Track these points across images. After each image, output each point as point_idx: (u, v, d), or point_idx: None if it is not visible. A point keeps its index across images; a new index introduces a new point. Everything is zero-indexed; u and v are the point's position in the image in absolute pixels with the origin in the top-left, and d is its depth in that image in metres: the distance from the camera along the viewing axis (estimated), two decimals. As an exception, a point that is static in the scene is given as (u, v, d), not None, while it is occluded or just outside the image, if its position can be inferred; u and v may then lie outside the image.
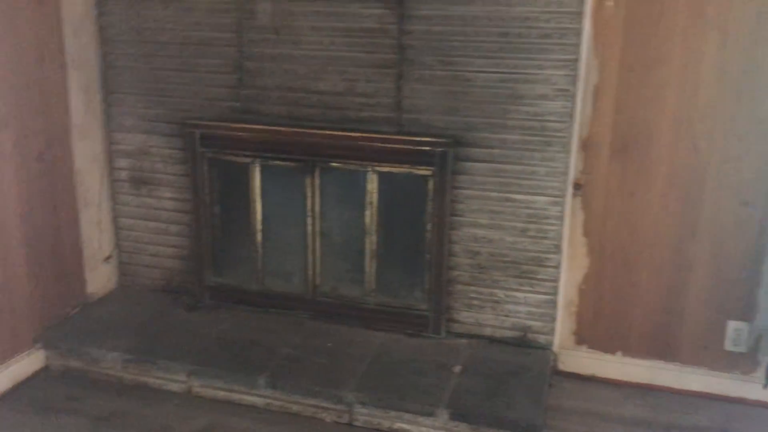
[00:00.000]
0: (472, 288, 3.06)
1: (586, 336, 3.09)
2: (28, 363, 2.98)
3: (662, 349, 3.01)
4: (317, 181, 3.10)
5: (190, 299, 3.38)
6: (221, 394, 2.86)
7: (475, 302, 3.07)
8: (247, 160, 3.16)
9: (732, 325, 2.89)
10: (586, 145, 2.87)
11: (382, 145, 2.97)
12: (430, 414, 2.60)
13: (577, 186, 2.91)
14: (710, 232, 2.83)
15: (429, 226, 3.00)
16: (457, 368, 2.85)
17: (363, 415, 2.70)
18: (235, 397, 2.85)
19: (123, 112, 3.31)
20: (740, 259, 2.82)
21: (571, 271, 3.00)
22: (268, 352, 2.96)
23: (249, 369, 2.83)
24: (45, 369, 3.07)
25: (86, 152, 3.24)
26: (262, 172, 3.16)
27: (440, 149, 2.89)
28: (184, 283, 3.45)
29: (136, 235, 3.47)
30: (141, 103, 3.27)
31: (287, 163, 3.14)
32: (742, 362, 2.92)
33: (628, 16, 2.70)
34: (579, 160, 2.88)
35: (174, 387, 2.92)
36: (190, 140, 3.19)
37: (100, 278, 3.42)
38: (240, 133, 3.14)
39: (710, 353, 2.95)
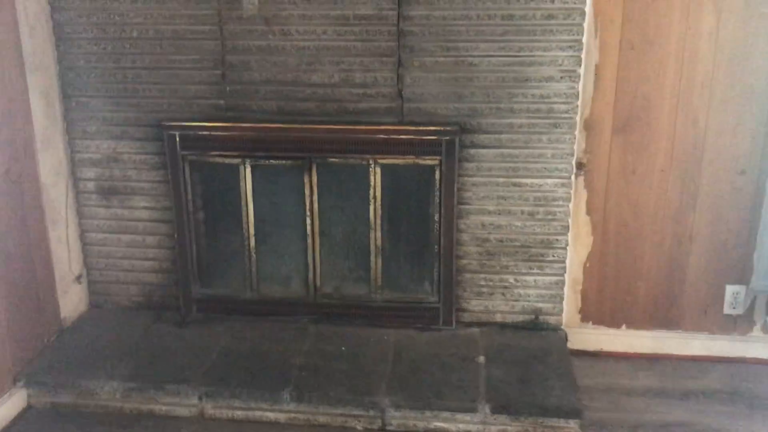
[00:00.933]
0: (481, 275, 3.02)
1: (591, 313, 3.13)
2: (10, 405, 2.67)
3: (665, 318, 3.10)
4: (315, 178, 2.95)
5: (178, 314, 3.14)
6: (239, 413, 2.68)
7: (485, 289, 3.03)
8: (236, 161, 2.96)
9: (730, 290, 3.02)
10: (588, 125, 2.88)
11: (386, 136, 2.86)
12: (471, 410, 2.54)
13: (580, 165, 2.93)
14: (709, 202, 2.92)
15: (436, 217, 2.93)
16: (481, 359, 2.81)
17: (396, 418, 2.61)
18: (255, 415, 2.67)
19: (86, 117, 3.00)
20: (736, 226, 2.93)
21: (575, 249, 3.02)
22: (282, 363, 2.80)
23: (270, 384, 2.66)
24: (28, 409, 2.75)
25: (50, 164, 2.92)
26: (253, 172, 2.97)
27: (447, 137, 2.81)
28: (165, 298, 3.20)
29: (108, 250, 3.18)
30: (107, 107, 2.97)
31: (281, 162, 2.96)
32: (739, 323, 3.06)
33: (628, -8, 2.72)
34: (581, 140, 2.88)
35: (183, 412, 2.70)
36: (170, 143, 2.94)
37: (71, 301, 3.11)
38: (226, 133, 2.93)
39: (710, 318, 3.07)
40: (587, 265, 3.06)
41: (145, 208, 3.10)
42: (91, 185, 3.09)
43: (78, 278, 3.15)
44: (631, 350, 3.13)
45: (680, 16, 2.72)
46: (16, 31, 2.67)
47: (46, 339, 2.92)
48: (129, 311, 3.22)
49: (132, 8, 2.83)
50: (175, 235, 3.07)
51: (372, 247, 3.00)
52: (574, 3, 2.66)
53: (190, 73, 2.90)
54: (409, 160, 2.89)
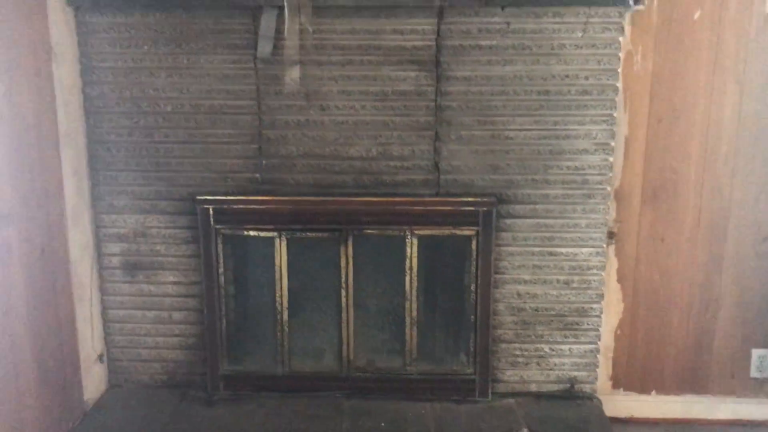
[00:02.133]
0: (517, 345, 3.02)
1: (621, 379, 3.16)
2: (39, 497, 2.52)
3: (693, 383, 3.14)
4: (351, 250, 2.93)
5: (204, 392, 3.04)
6: (283, 497, 2.58)
7: (520, 359, 3.03)
8: (271, 234, 2.92)
9: (756, 353, 3.08)
10: (618, 195, 2.96)
11: (423, 208, 2.88)
12: (527, 485, 2.50)
13: (611, 234, 2.99)
14: (734, 268, 3.01)
15: (472, 287, 2.93)
16: (525, 431, 2.79)
17: (448, 496, 2.55)
18: (301, 498, 2.58)
19: (114, 191, 2.94)
20: (761, 291, 3.02)
21: (607, 317, 3.06)
22: (324, 442, 2.72)
23: (317, 466, 2.58)
24: (56, 500, 2.60)
25: (78, 240, 2.84)
26: (288, 245, 2.93)
27: (484, 208, 2.85)
28: (190, 375, 3.10)
29: (131, 327, 3.07)
30: (137, 181, 2.92)
31: (317, 234, 2.94)
32: (766, 387, 3.12)
33: (654, 70, 2.84)
34: (612, 210, 2.95)
35: (224, 498, 2.59)
36: (203, 217, 2.89)
37: (92, 381, 2.98)
38: (262, 206, 2.90)
39: (737, 381, 3.12)
40: (618, 332, 3.09)
41: (173, 282, 3.02)
42: (115, 260, 3.01)
43: (100, 357, 3.03)
44: (661, 416, 3.16)
45: (704, 92, 2.85)
46: (53, 106, 2.63)
47: (72, 423, 2.78)
48: (151, 390, 3.09)
49: (168, 83, 2.82)
50: (204, 310, 2.99)
51: (407, 318, 2.98)
52: (608, 79, 2.76)
53: (225, 147, 2.88)
54: (446, 231, 2.90)
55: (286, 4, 2.68)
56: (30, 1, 2.48)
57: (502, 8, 2.71)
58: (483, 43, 2.75)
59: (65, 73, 2.71)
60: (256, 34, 2.75)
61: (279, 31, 2.74)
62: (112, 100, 2.85)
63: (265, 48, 2.73)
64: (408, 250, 2.91)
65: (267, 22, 2.71)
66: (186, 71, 2.81)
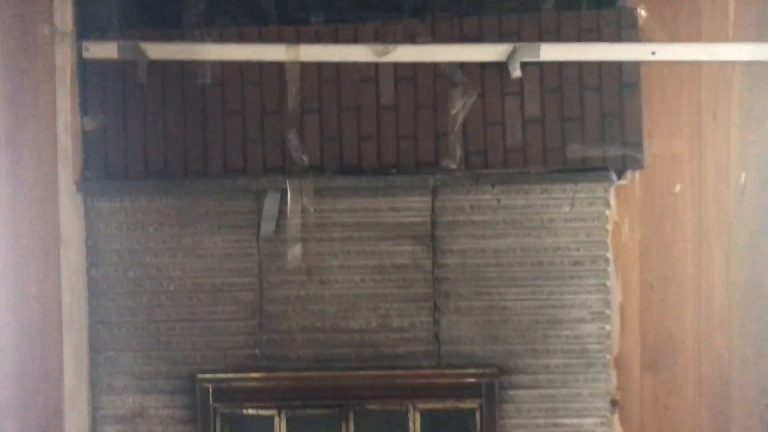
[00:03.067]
0: None
1: None
2: None
3: None
4: (352, 427, 2.87)
5: None
6: None
7: None
8: (271, 412, 2.88)
9: None
10: (618, 363, 2.96)
11: (424, 380, 2.87)
12: None
13: (614, 403, 2.96)
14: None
15: (478, 462, 2.86)
16: None
17: None
18: None
19: (113, 372, 2.91)
20: (771, 457, 2.96)
21: (616, 490, 2.96)
22: None
23: None
24: None
25: (75, 423, 2.78)
26: (288, 423, 2.88)
27: (486, 380, 2.84)
28: None
29: None
30: (137, 360, 2.91)
31: (317, 411, 2.90)
32: None
33: (642, 240, 2.95)
34: (613, 377, 2.95)
35: None
36: (202, 396, 2.86)
37: None
38: (261, 383, 2.88)
39: None
40: (630, 505, 2.99)
41: (169, 465, 2.93)
42: (111, 443, 2.93)
43: None
44: None
45: (692, 259, 2.95)
46: (59, 292, 2.67)
47: None
48: None
49: (171, 263, 2.89)
50: (200, 495, 2.87)
51: (412, 497, 2.88)
52: (598, 250, 2.86)
53: (226, 324, 2.90)
54: (449, 404, 2.88)
55: (288, 187, 2.82)
56: (43, 189, 2.59)
57: (492, 186, 2.86)
58: (476, 218, 2.87)
59: (72, 257, 2.78)
60: (260, 215, 2.86)
61: (281, 211, 2.86)
62: (115, 281, 2.90)
63: (268, 228, 2.84)
64: (411, 425, 2.87)
65: (270, 204, 2.84)
66: (190, 251, 2.89)
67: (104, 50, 2.86)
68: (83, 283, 2.89)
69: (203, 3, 2.93)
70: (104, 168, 2.89)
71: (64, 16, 2.77)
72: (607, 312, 2.87)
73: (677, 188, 2.92)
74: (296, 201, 2.83)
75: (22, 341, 2.39)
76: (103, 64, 2.88)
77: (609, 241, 2.89)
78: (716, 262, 2.95)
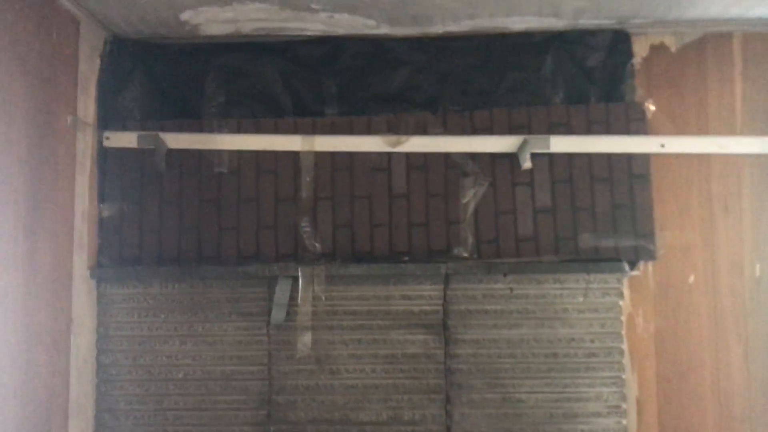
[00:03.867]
0: None
1: None
2: None
3: None
4: None
5: None
6: None
7: None
8: (277, 507, 2.79)
9: None
10: (637, 459, 2.87)
11: (436, 477, 2.78)
12: None
13: (635, 503, 2.85)
14: None
15: None
16: None
17: None
18: None
19: (117, 461, 2.86)
20: None
21: None
22: None
23: None
24: None
25: None
26: None
27: (500, 477, 2.75)
28: None
29: None
30: (142, 449, 2.86)
31: (325, 507, 2.80)
32: None
33: (657, 332, 2.91)
34: (632, 475, 2.85)
35: None
36: (208, 490, 2.78)
37: None
38: (268, 477, 2.80)
39: None
40: None
41: None
42: None
43: None
44: None
45: (709, 351, 2.89)
46: (67, 377, 2.65)
47: None
48: None
49: (181, 350, 2.88)
50: None
51: None
52: (612, 342, 2.82)
53: (234, 414, 2.86)
54: (462, 501, 2.77)
55: (300, 274, 2.83)
56: (58, 275, 2.60)
57: (505, 275, 2.85)
58: (488, 307, 2.86)
59: (82, 342, 2.77)
60: (271, 302, 2.86)
61: (292, 298, 2.85)
62: (124, 368, 2.88)
63: (278, 315, 2.83)
64: None
65: (282, 291, 2.84)
66: (200, 338, 2.88)
67: (124, 140, 2.95)
68: (92, 370, 2.87)
69: (222, 95, 3.02)
70: (119, 254, 2.92)
71: (87, 107, 2.86)
72: (624, 406, 2.80)
73: (691, 279, 2.90)
74: (308, 288, 2.83)
75: (27, 428, 2.35)
76: (122, 153, 2.96)
77: (623, 332, 2.84)
78: (734, 356, 2.89)
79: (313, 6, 2.72)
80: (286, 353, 2.87)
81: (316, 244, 2.91)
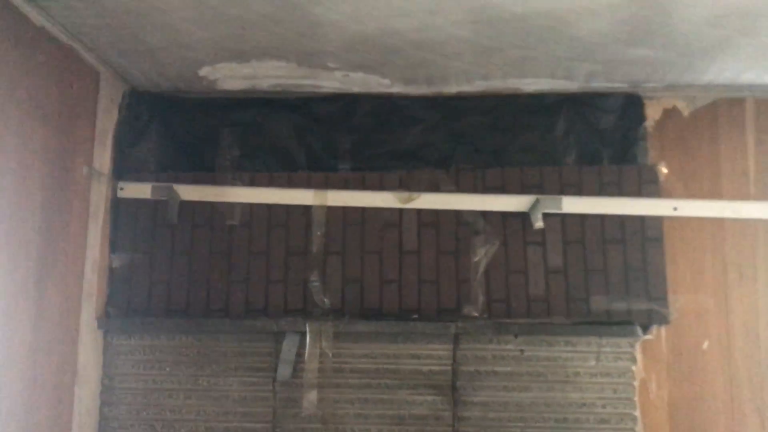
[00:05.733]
0: None
1: None
2: None
3: None
4: None
5: None
6: None
7: None
8: None
9: None
10: None
11: None
12: None
13: None
14: None
15: None
16: None
17: None
18: None
19: None
20: None
21: None
22: None
23: None
24: None
25: None
26: None
27: None
28: None
29: None
30: (141, 507, 2.79)
31: None
32: None
33: (671, 399, 2.84)
34: None
35: None
36: None
37: None
38: None
39: None
40: None
41: None
42: None
43: None
44: None
45: (725, 418, 2.82)
46: (69, 428, 2.61)
47: None
48: None
49: (185, 405, 2.84)
50: None
51: None
52: (625, 408, 2.75)
53: (236, 473, 2.79)
54: None
55: (308, 329, 2.80)
56: (65, 325, 2.59)
57: (515, 336, 2.81)
58: (498, 369, 2.81)
59: (86, 394, 2.74)
60: (277, 358, 2.82)
61: (299, 354, 2.82)
62: (128, 422, 2.84)
63: (285, 371, 2.79)
64: None
65: (289, 347, 2.81)
66: (204, 393, 2.84)
67: (139, 190, 2.97)
68: (95, 422, 2.83)
69: (237, 149, 3.05)
70: (127, 304, 2.91)
71: (103, 158, 2.88)
72: (637, 475, 2.72)
73: (705, 345, 2.84)
74: (315, 345, 2.80)
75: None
76: (136, 204, 2.97)
77: (636, 398, 2.78)
78: (750, 425, 2.81)
79: (330, 64, 2.77)
80: (292, 411, 2.82)
81: (325, 300, 2.89)
